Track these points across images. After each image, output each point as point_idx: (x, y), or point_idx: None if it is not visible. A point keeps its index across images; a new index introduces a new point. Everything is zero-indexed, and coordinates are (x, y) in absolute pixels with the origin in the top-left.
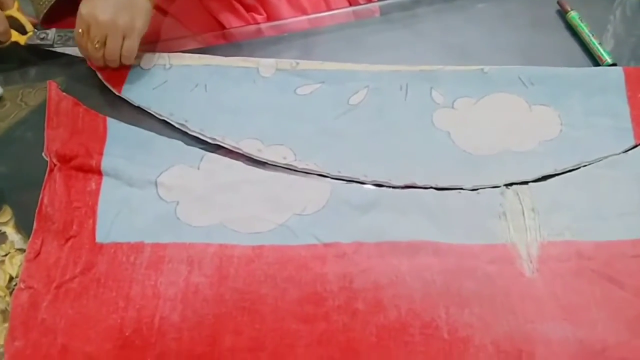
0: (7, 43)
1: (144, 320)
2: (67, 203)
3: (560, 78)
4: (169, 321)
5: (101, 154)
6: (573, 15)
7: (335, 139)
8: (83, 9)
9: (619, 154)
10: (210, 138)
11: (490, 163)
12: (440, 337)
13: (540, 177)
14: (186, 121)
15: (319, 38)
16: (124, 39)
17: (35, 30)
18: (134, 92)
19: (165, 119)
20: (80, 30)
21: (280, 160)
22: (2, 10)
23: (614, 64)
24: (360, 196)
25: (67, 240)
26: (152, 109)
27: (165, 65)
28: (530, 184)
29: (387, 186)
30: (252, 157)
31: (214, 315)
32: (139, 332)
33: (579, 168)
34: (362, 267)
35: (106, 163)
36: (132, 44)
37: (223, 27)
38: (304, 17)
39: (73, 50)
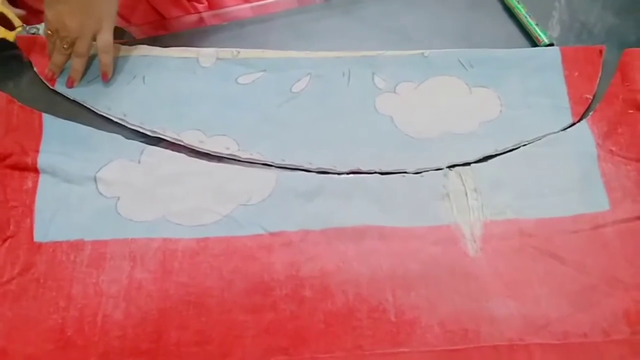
0: None
1: (86, 320)
2: (3, 202)
3: (499, 60)
4: (112, 319)
5: (37, 151)
6: None
7: (278, 127)
8: (48, 13)
9: (558, 132)
10: (151, 131)
11: (432, 146)
12: (388, 320)
13: (481, 157)
14: (125, 115)
15: (262, 26)
16: (96, 36)
17: (24, 25)
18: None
19: (103, 114)
20: (49, 32)
21: (224, 151)
22: None
23: (550, 44)
24: (305, 184)
25: (4, 241)
26: (88, 103)
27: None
28: (472, 164)
29: (332, 173)
30: (195, 148)
31: (158, 310)
32: (81, 331)
33: (519, 147)
34: (308, 255)
35: (43, 160)
36: (107, 39)
37: (162, 16)
38: (247, 5)
39: None
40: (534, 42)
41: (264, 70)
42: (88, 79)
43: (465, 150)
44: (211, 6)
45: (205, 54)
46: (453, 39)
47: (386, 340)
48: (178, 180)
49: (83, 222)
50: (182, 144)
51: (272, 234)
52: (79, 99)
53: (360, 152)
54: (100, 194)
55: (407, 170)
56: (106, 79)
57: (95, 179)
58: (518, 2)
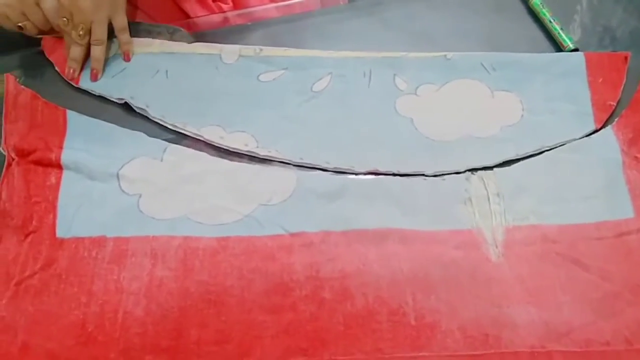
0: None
1: (106, 316)
2: (26, 198)
3: (522, 64)
4: (133, 316)
5: (61, 147)
6: (535, 1)
7: (297, 126)
8: None
9: (580, 138)
10: (172, 125)
11: (452, 149)
12: (408, 323)
13: (501, 162)
14: (147, 106)
15: (286, 26)
16: (110, 20)
17: None
18: (91, 82)
19: (127, 101)
20: (65, 19)
21: (242, 148)
22: None
23: (575, 49)
24: (326, 185)
25: (27, 235)
26: (114, 96)
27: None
28: (495, 169)
29: (349, 173)
30: (214, 144)
31: (179, 308)
32: (102, 327)
33: (540, 153)
34: (328, 256)
35: (66, 156)
36: (122, 20)
37: (188, 16)
38: (272, 5)
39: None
40: (558, 47)
41: (286, 69)
42: (112, 73)
43: (485, 154)
44: (236, 6)
45: (228, 51)
46: (476, 42)
47: (406, 344)
48: (200, 179)
49: (105, 219)
50: (202, 139)
51: (292, 235)
52: (104, 93)
53: (379, 154)
54: (123, 191)
55: (425, 173)
56: (128, 58)
57: (117, 176)
58: (542, 6)
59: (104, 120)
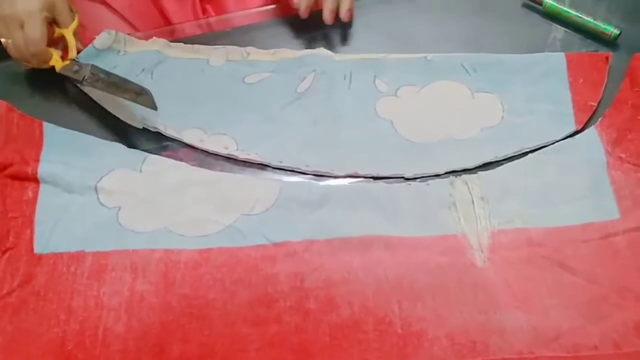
0: (45, 65)
1: (87, 333)
2: (3, 213)
3: (503, 65)
4: (114, 332)
5: (38, 160)
6: (550, 3)
7: (279, 128)
8: None
9: (561, 139)
10: (153, 127)
11: (432, 151)
12: (394, 332)
13: (481, 164)
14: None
15: (269, 31)
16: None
17: (75, 59)
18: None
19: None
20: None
21: (222, 150)
22: (58, 27)
23: (619, 34)
24: (309, 193)
25: (4, 252)
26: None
27: (119, 50)
28: (480, 172)
29: (329, 176)
30: (193, 146)
31: (160, 323)
32: (82, 345)
33: (523, 155)
34: (313, 266)
35: (43, 170)
36: (33, 33)
37: (169, 22)
38: (255, 10)
39: (97, 96)
40: (540, 48)
41: (272, 71)
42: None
43: (465, 156)
44: (217, 11)
45: (216, 55)
46: (459, 44)
47: (393, 354)
48: (180, 190)
49: (84, 233)
50: (181, 141)
51: (275, 245)
52: (86, 90)
53: (359, 156)
54: (102, 204)
55: (405, 175)
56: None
57: (96, 189)
58: (563, 6)
59: (82, 131)
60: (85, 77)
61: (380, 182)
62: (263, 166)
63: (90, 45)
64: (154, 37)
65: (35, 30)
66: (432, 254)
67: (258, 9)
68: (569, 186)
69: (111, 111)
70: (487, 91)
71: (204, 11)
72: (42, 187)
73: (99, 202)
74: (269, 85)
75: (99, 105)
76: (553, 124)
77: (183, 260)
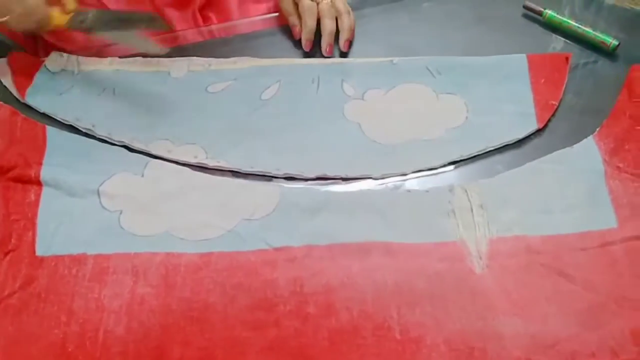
0: (49, 28)
1: (87, 335)
2: (5, 216)
3: (467, 67)
4: (114, 334)
5: (40, 163)
6: (550, 14)
7: (247, 135)
8: None
9: (523, 137)
10: (119, 141)
11: (398, 152)
12: (393, 338)
13: (447, 163)
14: (93, 126)
15: (269, 39)
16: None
17: (76, 11)
18: (38, 97)
19: (72, 124)
20: None
21: (191, 160)
22: None
23: (617, 45)
24: (310, 199)
25: (6, 254)
26: (58, 116)
27: (74, 70)
28: (480, 180)
29: (298, 178)
30: (162, 158)
31: (160, 326)
32: (83, 347)
33: (485, 153)
34: (313, 271)
35: (46, 173)
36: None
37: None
38: (257, 18)
39: (112, 35)
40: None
41: (235, 79)
42: (59, 90)
43: (430, 156)
44: (220, 19)
45: (177, 67)
46: (459, 54)
47: (391, 359)
48: (181, 195)
49: (85, 236)
50: (149, 154)
51: (276, 249)
52: (50, 112)
53: (327, 158)
54: (103, 207)
55: (372, 176)
56: None
57: (98, 192)
58: (563, 17)
59: (84, 135)
60: (93, 26)
61: (380, 188)
62: (264, 172)
63: (44, 68)
64: (110, 58)
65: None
66: (431, 260)
67: (261, 17)
68: (567, 195)
69: (129, 47)
70: (452, 92)
71: (207, 19)
72: (45, 190)
73: (100, 206)
74: (233, 93)
75: None
76: (516, 123)
77: (184, 263)
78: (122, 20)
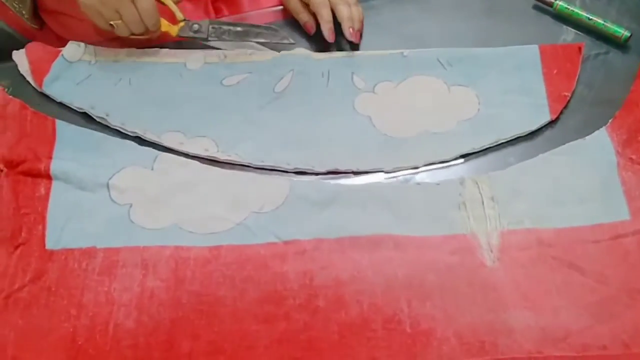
0: (157, 35)
1: (97, 328)
2: (15, 209)
3: (478, 58)
4: (124, 328)
5: (50, 157)
6: (561, 5)
7: (258, 128)
8: None
9: (536, 129)
10: (132, 132)
11: (410, 145)
12: (403, 331)
13: (459, 155)
14: (107, 115)
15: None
16: (134, 3)
17: (187, 20)
18: (55, 86)
19: (86, 112)
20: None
21: (202, 153)
22: None
23: (630, 35)
24: (319, 192)
25: (16, 248)
26: (74, 104)
27: (90, 60)
28: (490, 173)
29: (310, 173)
30: (173, 149)
31: (170, 319)
32: (93, 340)
33: (498, 145)
34: (322, 264)
35: (55, 166)
36: (146, 4)
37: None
38: (268, 9)
39: (226, 45)
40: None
41: (250, 72)
42: (76, 80)
43: (442, 149)
44: (231, 11)
45: (193, 59)
46: (469, 45)
47: (401, 352)
48: (191, 188)
49: (95, 230)
50: (162, 145)
51: (285, 243)
52: (66, 100)
53: (338, 152)
54: (113, 201)
55: (384, 169)
56: None
57: (108, 186)
58: (574, 8)
59: (94, 129)
60: (210, 33)
61: (390, 181)
62: (274, 167)
63: (60, 56)
64: (127, 48)
65: (148, 2)
66: (441, 253)
67: (272, 9)
68: (579, 187)
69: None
70: (463, 85)
71: (219, 10)
72: (55, 184)
73: (110, 199)
74: (247, 86)
75: None
76: (528, 115)
77: (193, 257)
78: (243, 33)
